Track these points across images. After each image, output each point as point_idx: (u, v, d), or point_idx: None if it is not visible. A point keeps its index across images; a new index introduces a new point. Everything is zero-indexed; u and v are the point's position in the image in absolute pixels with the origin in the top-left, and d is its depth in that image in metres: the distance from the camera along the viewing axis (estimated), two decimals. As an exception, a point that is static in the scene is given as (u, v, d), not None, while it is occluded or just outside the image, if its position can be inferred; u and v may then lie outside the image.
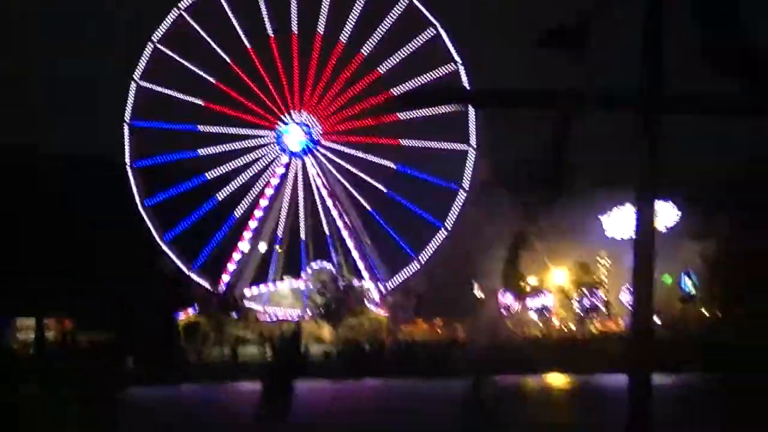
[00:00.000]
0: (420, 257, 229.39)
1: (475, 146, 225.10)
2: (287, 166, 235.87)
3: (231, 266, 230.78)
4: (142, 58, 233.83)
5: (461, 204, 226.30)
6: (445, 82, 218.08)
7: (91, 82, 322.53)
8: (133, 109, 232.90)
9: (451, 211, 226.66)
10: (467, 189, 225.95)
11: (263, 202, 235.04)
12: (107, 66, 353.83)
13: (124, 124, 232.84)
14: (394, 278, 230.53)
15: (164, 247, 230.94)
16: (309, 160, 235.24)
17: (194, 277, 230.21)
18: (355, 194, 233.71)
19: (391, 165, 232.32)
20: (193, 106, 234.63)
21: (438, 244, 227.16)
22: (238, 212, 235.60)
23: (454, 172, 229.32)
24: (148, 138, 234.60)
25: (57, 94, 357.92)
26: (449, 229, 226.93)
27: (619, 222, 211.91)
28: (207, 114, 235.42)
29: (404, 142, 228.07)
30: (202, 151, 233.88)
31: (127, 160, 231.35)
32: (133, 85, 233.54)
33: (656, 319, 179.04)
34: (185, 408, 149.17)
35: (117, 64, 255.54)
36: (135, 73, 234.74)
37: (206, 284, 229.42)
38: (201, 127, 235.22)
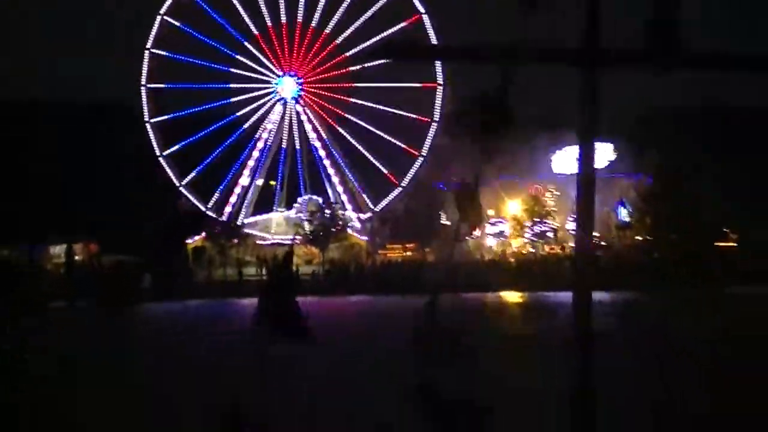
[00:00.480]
0: (401, 183, 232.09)
1: (441, 83, 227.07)
2: (282, 112, 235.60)
3: (233, 199, 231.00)
4: (152, 30, 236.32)
5: (433, 134, 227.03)
6: (404, 37, 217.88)
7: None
8: (148, 74, 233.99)
9: (426, 141, 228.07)
10: (438, 120, 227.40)
11: (260, 144, 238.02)
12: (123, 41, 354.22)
13: (141, 87, 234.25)
14: (374, 208, 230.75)
15: (182, 189, 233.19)
16: (300, 107, 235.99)
17: (210, 213, 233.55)
18: (341, 130, 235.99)
19: (371, 104, 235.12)
20: (199, 68, 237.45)
21: (415, 170, 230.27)
22: (243, 154, 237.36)
23: (428, 108, 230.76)
24: (162, 97, 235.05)
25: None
26: (424, 155, 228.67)
27: (565, 160, 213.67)
28: (212, 73, 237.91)
29: (379, 84, 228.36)
30: (209, 105, 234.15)
31: (146, 116, 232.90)
32: (146, 54, 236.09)
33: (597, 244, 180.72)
34: (192, 318, 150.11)
35: (132, 38, 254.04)
36: (147, 43, 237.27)
37: (200, 205, 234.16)
38: (207, 85, 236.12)
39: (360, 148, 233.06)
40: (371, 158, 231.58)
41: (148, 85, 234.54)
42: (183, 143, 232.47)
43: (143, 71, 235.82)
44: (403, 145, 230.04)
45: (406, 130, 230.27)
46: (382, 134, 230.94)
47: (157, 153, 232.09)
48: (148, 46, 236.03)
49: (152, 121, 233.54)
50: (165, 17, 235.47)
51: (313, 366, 78.23)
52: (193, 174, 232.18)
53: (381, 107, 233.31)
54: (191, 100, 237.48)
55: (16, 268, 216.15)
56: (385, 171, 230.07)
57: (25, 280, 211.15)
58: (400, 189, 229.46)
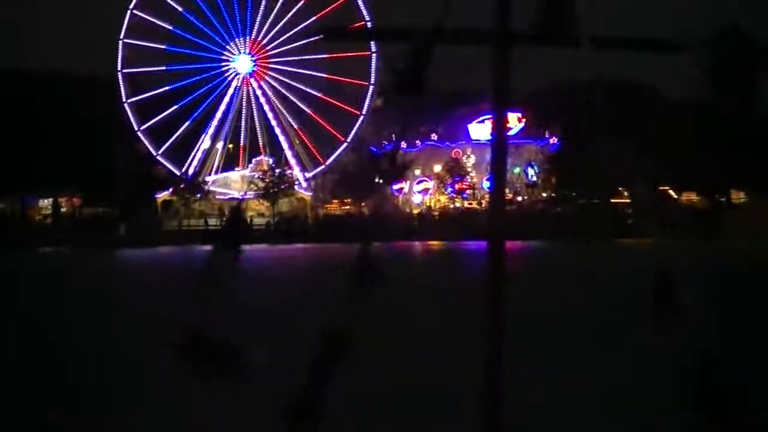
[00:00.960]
0: (346, 139, 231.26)
1: (374, 51, 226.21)
2: (239, 86, 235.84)
3: (196, 159, 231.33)
4: (124, 22, 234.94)
5: (370, 95, 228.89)
6: (337, 22, 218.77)
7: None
8: (123, 61, 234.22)
9: (365, 101, 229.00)
10: (373, 83, 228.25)
11: (218, 114, 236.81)
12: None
13: (117, 72, 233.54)
14: (323, 162, 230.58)
15: (140, 134, 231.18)
16: (254, 81, 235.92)
17: (162, 160, 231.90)
18: (291, 98, 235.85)
19: (316, 73, 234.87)
20: (166, 53, 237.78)
21: (357, 127, 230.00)
22: (208, 124, 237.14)
23: (365, 73, 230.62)
24: (136, 79, 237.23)
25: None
26: (364, 114, 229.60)
27: (481, 128, 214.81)
28: (177, 56, 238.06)
29: (322, 56, 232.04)
30: (177, 85, 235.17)
31: (123, 97, 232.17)
32: (120, 44, 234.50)
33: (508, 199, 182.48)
34: (162, 261, 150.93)
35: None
36: (120, 34, 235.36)
37: (174, 169, 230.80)
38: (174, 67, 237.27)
39: (308, 111, 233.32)
40: (319, 120, 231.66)
41: (123, 71, 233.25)
42: (157, 118, 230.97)
43: (118, 59, 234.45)
44: (346, 107, 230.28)
45: (349, 94, 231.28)
46: (328, 99, 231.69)
47: (135, 128, 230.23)
48: (121, 36, 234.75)
49: (129, 101, 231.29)
50: (134, 11, 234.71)
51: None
52: (167, 145, 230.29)
53: (325, 75, 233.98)
54: (162, 81, 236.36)
55: (9, 217, 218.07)
56: (332, 130, 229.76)
57: (15, 226, 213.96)
58: (346, 143, 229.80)
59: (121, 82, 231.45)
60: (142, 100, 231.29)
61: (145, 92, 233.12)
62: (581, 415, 40.64)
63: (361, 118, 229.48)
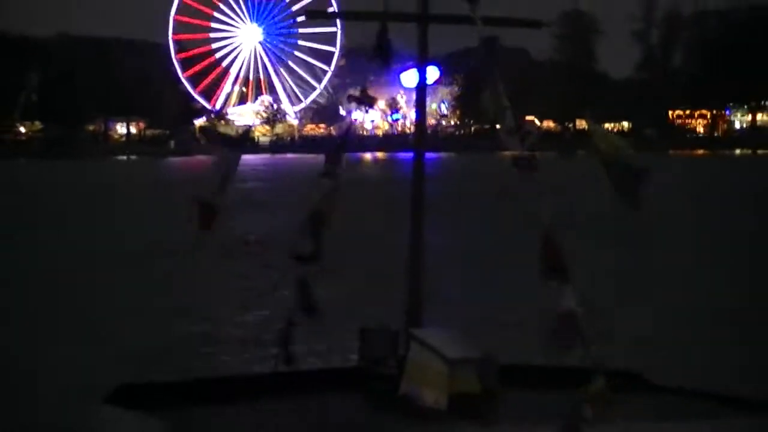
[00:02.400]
0: (320, 87, 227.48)
1: (339, 28, 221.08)
2: (250, 49, 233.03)
3: (221, 97, 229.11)
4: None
5: (336, 58, 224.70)
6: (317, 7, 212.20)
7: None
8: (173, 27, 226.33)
9: (333, 61, 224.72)
10: (339, 49, 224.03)
11: (235, 67, 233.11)
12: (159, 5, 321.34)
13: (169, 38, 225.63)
14: (300, 104, 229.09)
15: (184, 80, 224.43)
16: (261, 44, 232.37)
17: (198, 98, 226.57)
18: (285, 58, 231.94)
19: (302, 42, 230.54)
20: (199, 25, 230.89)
21: (327, 78, 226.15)
22: (228, 74, 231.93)
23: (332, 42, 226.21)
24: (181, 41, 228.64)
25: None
26: (332, 70, 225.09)
27: (410, 77, 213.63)
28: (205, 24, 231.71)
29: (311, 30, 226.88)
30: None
31: (173, 54, 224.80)
32: (171, 19, 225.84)
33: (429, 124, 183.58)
34: (196, 163, 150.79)
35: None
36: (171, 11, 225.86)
37: (206, 104, 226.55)
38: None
39: (295, 67, 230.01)
40: (302, 73, 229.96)
41: (174, 37, 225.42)
42: (194, 69, 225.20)
43: (170, 29, 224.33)
44: (320, 64, 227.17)
45: (322, 56, 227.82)
46: (308, 58, 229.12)
47: (180, 76, 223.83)
48: (172, 14, 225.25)
49: (177, 57, 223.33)
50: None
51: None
52: (201, 87, 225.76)
53: (306, 43, 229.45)
54: (198, 43, 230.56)
55: (97, 135, 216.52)
56: (311, 79, 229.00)
57: (101, 141, 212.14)
58: (319, 89, 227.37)
59: (171, 45, 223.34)
60: (185, 57, 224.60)
61: (187, 51, 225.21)
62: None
63: (330, 72, 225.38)
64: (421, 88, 11.04)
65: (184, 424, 8.18)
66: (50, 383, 23.95)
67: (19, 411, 21.88)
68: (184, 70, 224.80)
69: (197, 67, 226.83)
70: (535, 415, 8.42)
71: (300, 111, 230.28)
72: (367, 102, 11.96)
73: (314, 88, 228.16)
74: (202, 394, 9.33)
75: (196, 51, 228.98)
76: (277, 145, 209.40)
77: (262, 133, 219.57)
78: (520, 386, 9.08)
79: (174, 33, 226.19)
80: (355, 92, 12.04)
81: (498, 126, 9.94)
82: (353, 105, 11.81)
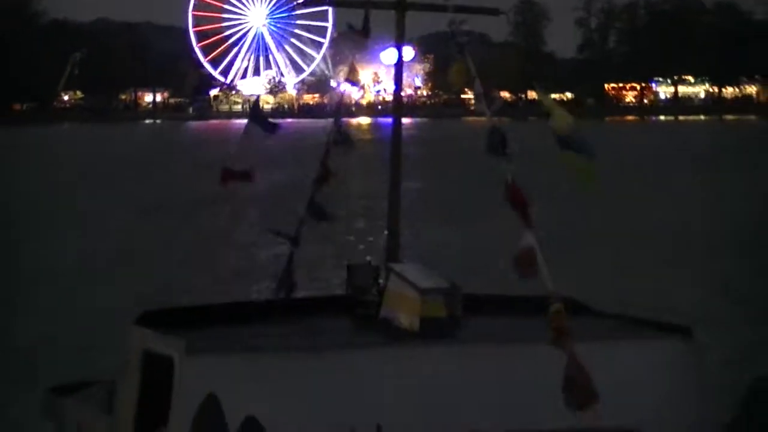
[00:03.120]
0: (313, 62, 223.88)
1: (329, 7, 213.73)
2: (256, 32, 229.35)
3: (233, 72, 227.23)
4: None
5: (329, 36, 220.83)
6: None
7: None
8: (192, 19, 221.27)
9: (326, 36, 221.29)
10: (331, 28, 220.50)
11: (245, 47, 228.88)
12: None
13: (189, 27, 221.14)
14: (298, 77, 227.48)
15: (202, 59, 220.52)
16: (265, 26, 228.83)
17: (214, 74, 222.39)
18: (286, 36, 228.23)
19: (301, 21, 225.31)
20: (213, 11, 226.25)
21: (322, 53, 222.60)
22: (238, 51, 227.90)
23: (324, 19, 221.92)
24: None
25: None
26: (327, 43, 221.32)
27: (389, 55, 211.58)
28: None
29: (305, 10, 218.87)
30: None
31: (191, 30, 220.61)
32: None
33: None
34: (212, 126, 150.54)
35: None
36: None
37: (221, 77, 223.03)
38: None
39: (295, 41, 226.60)
40: (301, 46, 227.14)
41: (194, 29, 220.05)
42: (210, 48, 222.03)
43: (190, 19, 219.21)
44: (316, 37, 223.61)
45: (316, 31, 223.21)
46: (304, 33, 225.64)
47: (200, 55, 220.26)
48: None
49: (198, 45, 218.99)
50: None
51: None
52: (212, 55, 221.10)
53: (303, 21, 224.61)
54: (216, 31, 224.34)
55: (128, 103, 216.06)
56: (305, 57, 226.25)
57: (131, 108, 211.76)
58: (313, 66, 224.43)
59: (192, 33, 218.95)
60: (200, 31, 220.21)
61: (207, 37, 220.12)
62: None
63: (324, 46, 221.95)
64: (399, 65, 10.84)
65: (198, 340, 8.22)
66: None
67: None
68: (202, 50, 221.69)
69: (213, 46, 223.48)
70: (494, 336, 8.54)
71: (298, 83, 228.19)
72: (354, 82, 11.89)
73: (309, 66, 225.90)
74: (214, 317, 9.42)
75: (212, 37, 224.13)
76: (278, 113, 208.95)
77: (266, 102, 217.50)
78: (482, 312, 9.14)
79: (194, 24, 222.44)
80: (346, 71, 11.97)
81: (466, 95, 9.93)
82: (343, 81, 11.74)
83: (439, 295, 8.44)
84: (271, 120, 11.19)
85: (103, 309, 23.82)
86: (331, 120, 10.87)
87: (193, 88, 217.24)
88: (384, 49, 11.49)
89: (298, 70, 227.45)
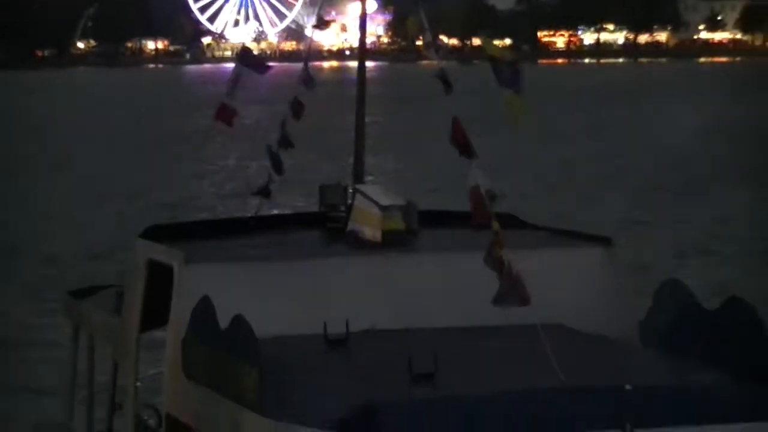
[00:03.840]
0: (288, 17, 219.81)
1: None
2: None
3: (222, 22, 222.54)
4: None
5: None
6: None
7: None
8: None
9: None
10: None
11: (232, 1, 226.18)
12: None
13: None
14: (278, 27, 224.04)
15: (195, 11, 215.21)
16: None
17: (206, 24, 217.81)
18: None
19: None
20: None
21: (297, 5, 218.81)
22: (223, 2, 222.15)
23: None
24: None
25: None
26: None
27: (355, 8, 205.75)
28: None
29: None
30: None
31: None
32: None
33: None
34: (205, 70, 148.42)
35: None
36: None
37: (211, 28, 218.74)
38: None
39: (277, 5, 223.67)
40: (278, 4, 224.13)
41: None
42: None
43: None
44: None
45: None
46: None
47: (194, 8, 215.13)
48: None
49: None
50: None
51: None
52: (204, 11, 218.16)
53: None
54: None
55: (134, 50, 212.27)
56: (283, 10, 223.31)
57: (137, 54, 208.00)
58: (290, 19, 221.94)
59: None
60: None
61: None
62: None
63: (300, 1, 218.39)
64: (363, 17, 10.35)
65: (194, 251, 8.21)
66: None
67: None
68: (195, 3, 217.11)
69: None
70: (444, 246, 8.59)
71: (278, 32, 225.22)
72: (324, 27, 11.49)
73: (287, 18, 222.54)
74: (208, 231, 9.48)
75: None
76: (261, 57, 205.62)
77: (257, 49, 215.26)
78: (435, 226, 9.14)
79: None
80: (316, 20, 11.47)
81: (419, 42, 9.50)
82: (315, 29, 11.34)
83: (398, 211, 8.46)
84: (263, 62, 10.60)
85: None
86: (307, 62, 10.36)
87: (189, 37, 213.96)
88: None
89: (281, 17, 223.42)
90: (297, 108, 9.75)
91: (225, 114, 9.81)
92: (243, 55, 10.42)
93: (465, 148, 7.41)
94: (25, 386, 15.67)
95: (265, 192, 10.04)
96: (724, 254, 22.95)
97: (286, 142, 9.99)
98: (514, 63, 7.66)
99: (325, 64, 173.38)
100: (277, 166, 9.82)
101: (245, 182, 28.05)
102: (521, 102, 7.53)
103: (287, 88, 9.40)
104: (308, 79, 10.11)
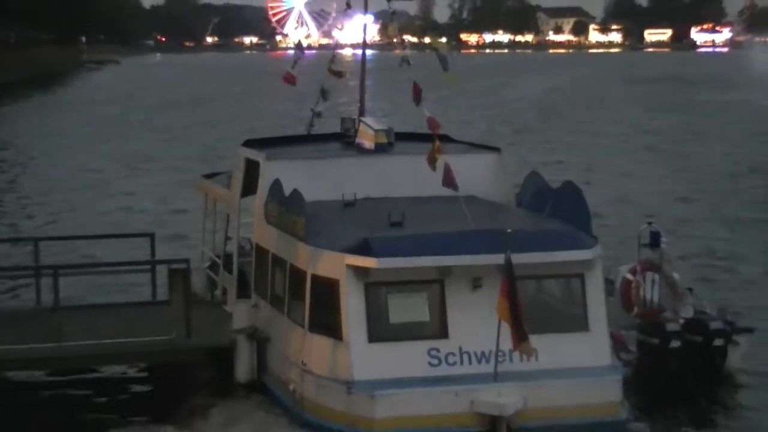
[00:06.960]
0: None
1: None
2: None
3: (286, 27, 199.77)
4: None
5: None
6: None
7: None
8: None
9: None
10: None
11: (292, 15, 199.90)
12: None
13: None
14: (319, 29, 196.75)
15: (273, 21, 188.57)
16: (303, 6, 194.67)
17: (277, 27, 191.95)
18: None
19: None
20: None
21: None
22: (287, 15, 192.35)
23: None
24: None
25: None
26: None
27: (360, 19, 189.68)
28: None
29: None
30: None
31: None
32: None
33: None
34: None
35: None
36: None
37: (281, 30, 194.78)
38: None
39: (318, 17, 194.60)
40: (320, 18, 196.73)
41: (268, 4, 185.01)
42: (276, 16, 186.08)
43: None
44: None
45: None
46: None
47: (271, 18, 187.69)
48: None
49: (268, 5, 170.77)
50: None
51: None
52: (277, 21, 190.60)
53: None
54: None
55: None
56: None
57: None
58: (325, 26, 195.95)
59: (268, 6, 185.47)
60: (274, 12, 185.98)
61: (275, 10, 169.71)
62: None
63: (332, 15, 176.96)
64: (364, 28, 9.93)
65: (271, 153, 8.42)
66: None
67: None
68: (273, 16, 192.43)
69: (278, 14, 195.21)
70: (408, 151, 8.64)
71: (319, 33, 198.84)
72: (339, 77, 10.13)
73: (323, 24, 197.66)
74: (280, 142, 9.61)
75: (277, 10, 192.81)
76: (308, 48, 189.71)
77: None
78: (405, 141, 9.18)
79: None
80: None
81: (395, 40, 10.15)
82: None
83: (383, 131, 8.56)
84: (308, 49, 10.77)
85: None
86: (335, 51, 10.14)
87: (269, 35, 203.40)
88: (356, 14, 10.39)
89: (320, 24, 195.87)
90: (324, 94, 9.47)
91: (289, 78, 9.71)
92: (298, 46, 10.62)
93: (417, 98, 7.62)
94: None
95: (317, 114, 10.14)
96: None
97: (324, 94, 10.00)
98: (445, 53, 8.13)
99: (349, 52, 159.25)
100: (324, 96, 9.68)
101: (299, 116, 27.42)
102: (449, 74, 7.73)
103: (323, 66, 9.35)
104: (337, 72, 9.77)
